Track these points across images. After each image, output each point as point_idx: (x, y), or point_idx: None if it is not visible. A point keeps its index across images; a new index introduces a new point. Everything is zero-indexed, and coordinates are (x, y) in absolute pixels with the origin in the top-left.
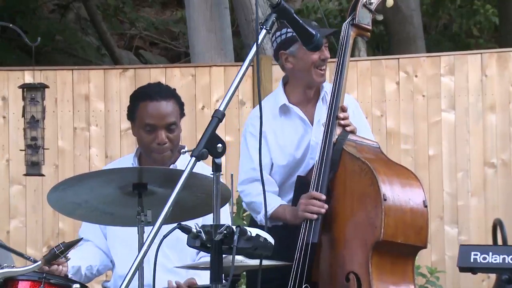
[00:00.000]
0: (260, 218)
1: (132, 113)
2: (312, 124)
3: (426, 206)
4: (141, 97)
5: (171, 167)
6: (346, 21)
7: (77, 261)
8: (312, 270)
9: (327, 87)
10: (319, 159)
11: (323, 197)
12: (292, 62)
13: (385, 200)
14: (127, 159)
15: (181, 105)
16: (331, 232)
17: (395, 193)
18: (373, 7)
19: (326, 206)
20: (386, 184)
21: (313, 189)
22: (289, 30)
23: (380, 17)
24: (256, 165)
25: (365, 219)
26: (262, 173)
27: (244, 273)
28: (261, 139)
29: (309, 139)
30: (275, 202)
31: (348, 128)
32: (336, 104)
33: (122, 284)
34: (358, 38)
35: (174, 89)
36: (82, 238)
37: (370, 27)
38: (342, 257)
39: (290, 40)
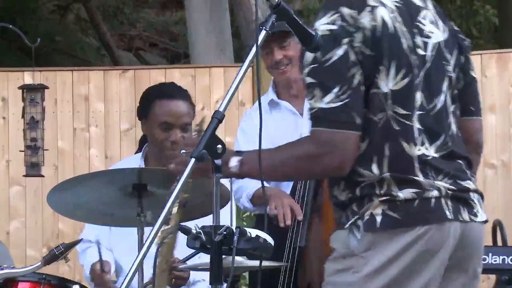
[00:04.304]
0: (242, 201)
1: (145, 111)
2: (302, 116)
3: None
4: (158, 95)
5: None
6: None
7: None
8: (298, 273)
9: None
10: None
11: (300, 218)
12: (264, 61)
13: None
14: (133, 159)
15: (193, 107)
16: (320, 235)
17: None
18: None
19: (288, 223)
20: None
21: (299, 195)
22: None
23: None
24: None
25: None
26: (261, 168)
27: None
28: (260, 141)
29: (301, 131)
30: (258, 183)
31: None
32: None
33: (122, 284)
34: None
35: (187, 91)
36: (82, 239)
37: None
38: None
39: None
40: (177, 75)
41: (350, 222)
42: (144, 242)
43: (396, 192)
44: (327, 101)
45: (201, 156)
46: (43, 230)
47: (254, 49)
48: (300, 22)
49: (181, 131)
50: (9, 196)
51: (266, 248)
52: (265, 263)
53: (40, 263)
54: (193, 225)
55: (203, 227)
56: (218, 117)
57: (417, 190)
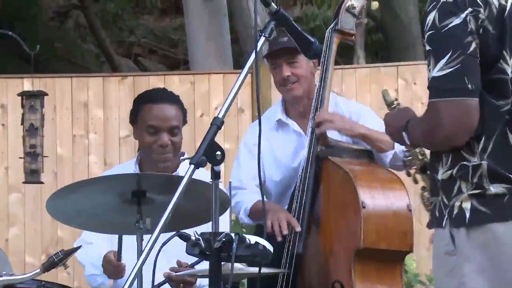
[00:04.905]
0: (240, 216)
1: (135, 116)
2: (307, 135)
3: (410, 210)
4: (145, 99)
5: (173, 174)
6: (329, 27)
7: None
8: (297, 280)
9: None
10: (302, 172)
11: (298, 229)
12: (273, 77)
13: (364, 207)
14: (128, 165)
15: (184, 111)
16: (317, 242)
17: (375, 199)
18: (356, 11)
19: (285, 232)
20: (365, 191)
21: (296, 206)
22: None
23: (364, 20)
24: (242, 175)
25: (346, 228)
26: (260, 179)
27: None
28: (259, 147)
29: (303, 152)
30: (255, 198)
31: (319, 129)
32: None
33: None
34: (357, 46)
35: (178, 96)
36: (80, 246)
37: (354, 32)
38: (327, 266)
39: (266, 55)
40: (176, 82)
41: (445, 219)
42: (143, 248)
43: (488, 186)
44: (437, 69)
45: (200, 162)
46: (42, 237)
47: (253, 56)
48: (299, 28)
49: (169, 135)
50: (8, 203)
51: (265, 255)
52: (264, 270)
53: (39, 270)
54: (192, 231)
55: (202, 234)
56: (217, 124)
57: (509, 186)
